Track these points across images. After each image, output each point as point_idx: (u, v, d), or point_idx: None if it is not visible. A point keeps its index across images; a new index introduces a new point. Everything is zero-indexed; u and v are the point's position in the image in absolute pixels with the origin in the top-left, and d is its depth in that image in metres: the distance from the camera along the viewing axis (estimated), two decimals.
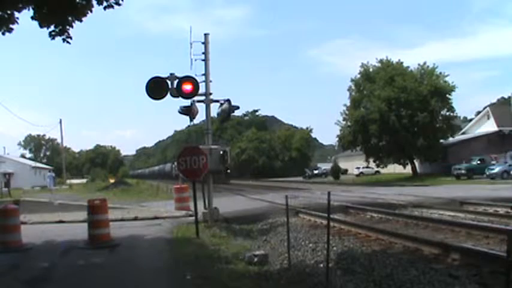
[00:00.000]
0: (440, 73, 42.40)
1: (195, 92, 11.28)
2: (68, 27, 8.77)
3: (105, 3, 8.63)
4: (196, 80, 11.33)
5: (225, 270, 6.77)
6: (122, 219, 13.19)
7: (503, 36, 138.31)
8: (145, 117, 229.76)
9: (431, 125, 40.79)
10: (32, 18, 8.58)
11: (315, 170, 67.20)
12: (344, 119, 45.66)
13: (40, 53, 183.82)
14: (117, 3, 8.72)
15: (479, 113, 57.81)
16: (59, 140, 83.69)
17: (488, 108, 52.56)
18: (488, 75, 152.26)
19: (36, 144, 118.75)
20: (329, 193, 6.01)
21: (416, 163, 44.96)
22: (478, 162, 37.12)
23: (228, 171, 42.32)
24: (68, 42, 8.93)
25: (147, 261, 7.79)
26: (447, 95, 41.45)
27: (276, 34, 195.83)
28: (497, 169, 33.81)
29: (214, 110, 12.95)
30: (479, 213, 12.80)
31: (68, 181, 68.32)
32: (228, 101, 12.45)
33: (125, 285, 6.47)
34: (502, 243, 7.92)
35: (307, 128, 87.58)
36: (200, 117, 13.64)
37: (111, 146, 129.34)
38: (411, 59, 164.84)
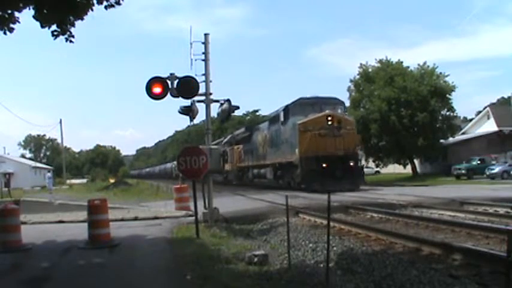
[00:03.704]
0: (441, 73, 42.41)
1: (195, 92, 11.28)
2: (69, 26, 8.77)
3: (105, 3, 8.64)
4: (196, 80, 11.34)
5: (225, 270, 6.77)
6: (122, 219, 13.19)
7: (503, 36, 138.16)
8: (145, 117, 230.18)
9: (431, 125, 40.80)
10: (33, 17, 8.59)
11: None
12: None
13: (40, 53, 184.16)
14: (118, 3, 8.73)
15: (479, 113, 57.84)
16: (59, 140, 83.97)
17: (488, 108, 52.58)
18: (488, 75, 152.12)
19: (36, 144, 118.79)
20: (329, 193, 6.01)
21: (416, 163, 44.95)
22: (478, 162, 37.14)
23: (357, 163, 24.58)
24: (70, 41, 8.94)
25: (147, 261, 7.79)
26: (447, 95, 41.46)
27: (276, 34, 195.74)
28: (497, 169, 33.85)
29: (215, 110, 12.94)
30: (480, 213, 12.80)
31: (68, 181, 68.38)
32: (228, 101, 12.45)
33: (125, 285, 6.47)
34: (502, 243, 7.92)
35: None
36: (200, 117, 13.65)
37: (111, 146, 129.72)
38: (411, 59, 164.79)
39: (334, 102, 26.73)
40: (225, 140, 40.46)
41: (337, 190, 20.15)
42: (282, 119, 26.70)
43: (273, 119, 29.31)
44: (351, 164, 23.40)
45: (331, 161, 22.78)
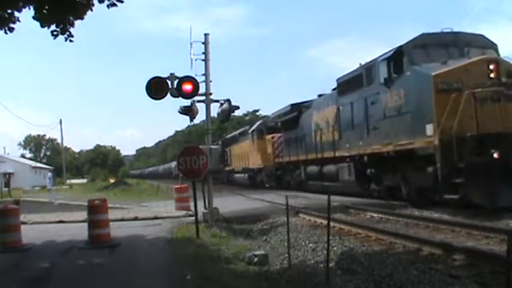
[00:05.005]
0: None
1: (195, 92, 11.29)
2: (69, 26, 8.80)
3: (106, 2, 8.66)
4: (196, 80, 11.35)
5: (226, 270, 6.77)
6: (122, 219, 13.20)
7: (503, 36, 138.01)
8: (145, 117, 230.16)
9: None
10: (33, 17, 8.61)
11: None
12: None
13: (40, 52, 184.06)
14: (120, 1, 8.75)
15: None
16: (59, 140, 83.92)
17: None
18: None
19: (36, 144, 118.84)
20: (329, 193, 6.02)
21: None
22: None
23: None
24: (70, 41, 8.98)
25: (147, 261, 7.79)
26: None
27: (276, 34, 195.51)
28: None
29: (215, 110, 12.94)
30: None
31: (68, 181, 68.36)
32: (228, 101, 12.46)
33: (125, 285, 6.47)
34: (502, 243, 7.92)
35: None
36: (200, 117, 13.65)
37: (111, 146, 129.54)
38: None
39: (482, 42, 13.91)
40: (254, 127, 32.37)
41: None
42: (383, 74, 14.27)
43: (355, 80, 16.38)
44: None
45: (507, 148, 11.25)
